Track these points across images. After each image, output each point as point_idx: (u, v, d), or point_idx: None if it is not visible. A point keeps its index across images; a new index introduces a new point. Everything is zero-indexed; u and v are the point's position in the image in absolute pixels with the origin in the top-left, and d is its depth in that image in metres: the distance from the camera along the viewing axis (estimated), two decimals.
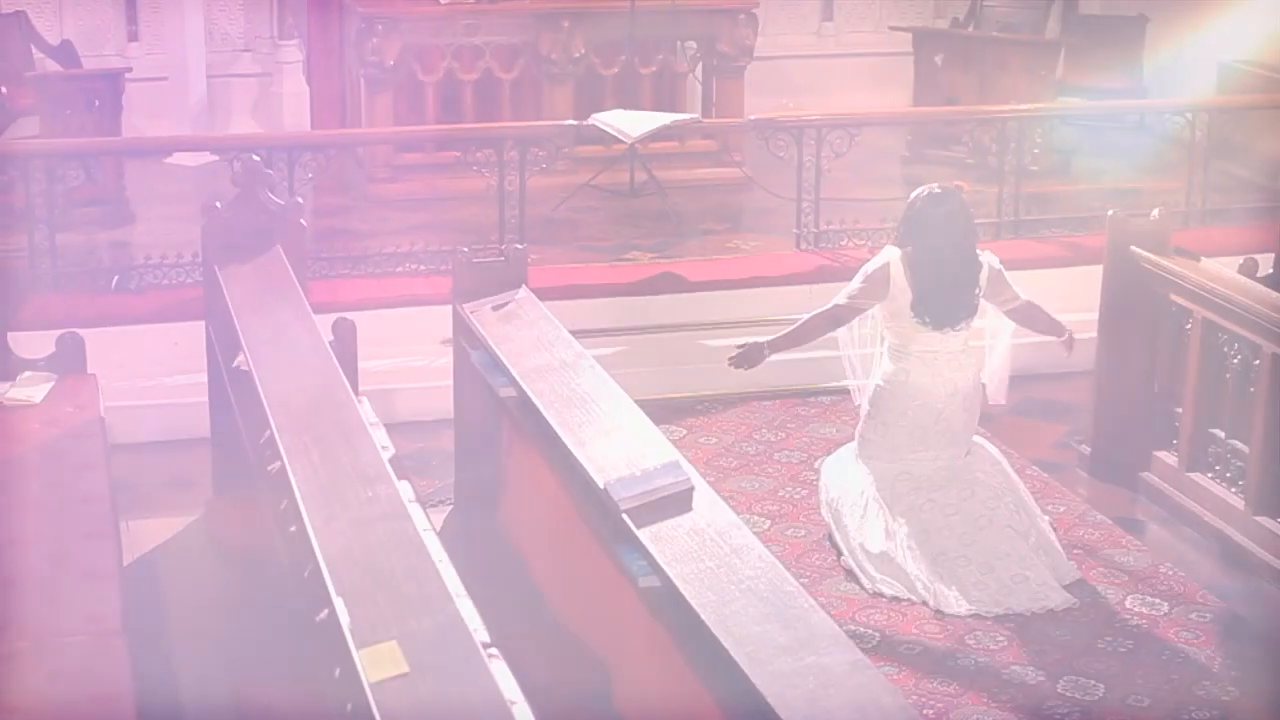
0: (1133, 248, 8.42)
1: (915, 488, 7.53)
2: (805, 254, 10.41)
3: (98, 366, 8.17)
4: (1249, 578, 7.69)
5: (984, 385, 7.79)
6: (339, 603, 4.72)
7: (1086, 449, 8.78)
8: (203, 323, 8.04)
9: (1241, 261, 8.52)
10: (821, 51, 14.45)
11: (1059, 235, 10.80)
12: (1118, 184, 12.05)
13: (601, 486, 5.91)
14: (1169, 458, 8.35)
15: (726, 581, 5.26)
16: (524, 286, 7.91)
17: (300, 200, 8.35)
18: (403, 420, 9.02)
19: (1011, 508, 7.51)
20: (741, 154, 11.98)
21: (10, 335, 7.99)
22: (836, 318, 7.60)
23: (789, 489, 8.42)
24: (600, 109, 11.51)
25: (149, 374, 9.19)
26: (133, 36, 13.05)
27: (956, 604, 7.24)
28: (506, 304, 7.76)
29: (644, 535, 5.60)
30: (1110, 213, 8.66)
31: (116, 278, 9.50)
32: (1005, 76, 12.50)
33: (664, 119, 11.11)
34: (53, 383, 7.83)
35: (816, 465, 8.21)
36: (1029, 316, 7.79)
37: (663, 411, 9.12)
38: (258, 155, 8.54)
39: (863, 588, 7.42)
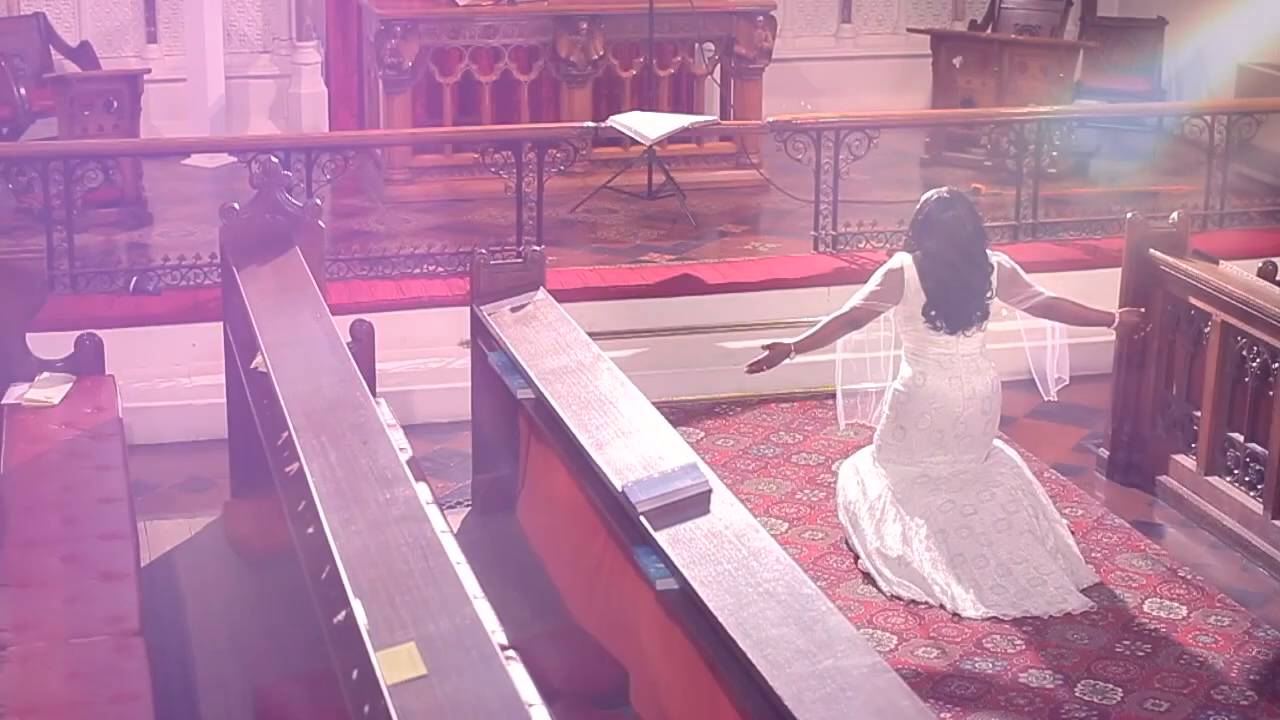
0: (1151, 250, 8.41)
1: (933, 489, 7.52)
2: (823, 256, 10.41)
3: (116, 367, 8.19)
4: (1268, 581, 7.68)
5: (1002, 388, 7.76)
6: (357, 604, 4.72)
7: (1105, 452, 8.77)
8: (221, 324, 8.05)
9: (1260, 264, 8.51)
10: (839, 53, 14.44)
11: (1077, 238, 10.79)
12: (1136, 186, 12.04)
13: (619, 489, 5.91)
14: (1187, 461, 8.33)
15: (744, 584, 5.25)
16: (542, 288, 7.91)
17: (318, 201, 8.36)
18: (420, 422, 9.04)
19: (1030, 511, 7.51)
20: (759, 156, 11.98)
21: (29, 336, 8.01)
22: (854, 319, 7.60)
23: (807, 491, 8.42)
24: (618, 111, 11.51)
25: (167, 375, 9.22)
26: (151, 38, 13.07)
27: (974, 607, 7.23)
28: (524, 306, 7.77)
29: (662, 538, 5.60)
30: (1129, 215, 8.64)
31: (135, 279, 9.51)
32: (1023, 79, 12.49)
33: (682, 121, 11.11)
34: (71, 384, 7.84)
35: (834, 468, 8.21)
36: (1053, 310, 7.75)
37: (680, 413, 9.14)
38: (276, 157, 8.54)
39: (880, 591, 7.42)
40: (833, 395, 7.95)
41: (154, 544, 7.64)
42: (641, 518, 5.73)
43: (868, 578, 7.53)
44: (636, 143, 10.99)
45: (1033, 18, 13.57)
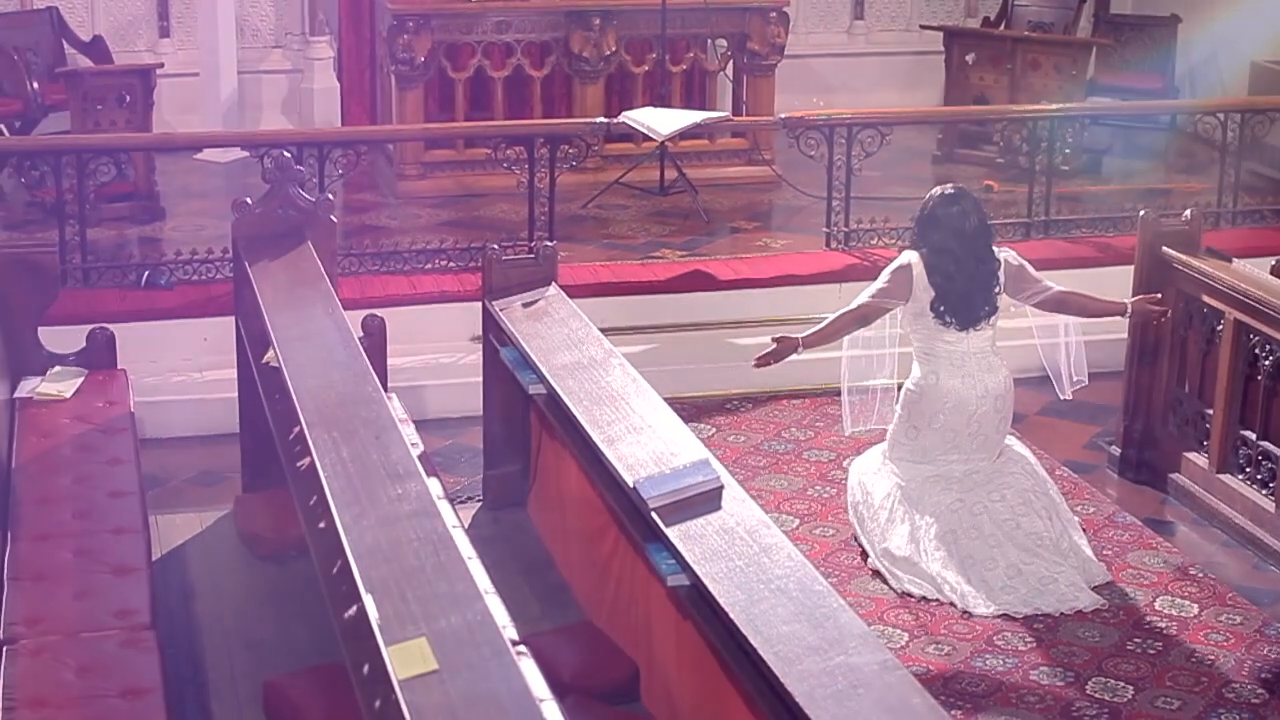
0: (1164, 248, 8.39)
1: (945, 488, 7.51)
2: (835, 253, 10.41)
3: (128, 362, 8.20)
4: (1279, 580, 7.67)
5: (1015, 387, 7.74)
6: (368, 599, 4.72)
7: (1116, 450, 8.76)
8: (232, 318, 8.06)
9: (1273, 262, 8.51)
10: (852, 50, 14.43)
11: (1090, 235, 10.78)
12: (1149, 184, 12.05)
13: (631, 485, 5.91)
14: (1199, 459, 8.32)
15: (755, 580, 5.25)
16: (554, 284, 7.91)
17: (330, 196, 8.37)
18: (432, 417, 9.04)
19: (1041, 510, 7.49)
20: (771, 152, 11.98)
21: (41, 330, 8.02)
22: (864, 316, 7.59)
23: (818, 488, 8.41)
24: (630, 106, 11.51)
25: (179, 369, 9.22)
26: (164, 32, 13.08)
27: (985, 605, 7.22)
28: (536, 301, 7.77)
29: (673, 534, 5.60)
30: (1141, 213, 8.63)
31: (147, 273, 9.52)
32: (1036, 76, 12.48)
33: (694, 117, 11.11)
34: (83, 378, 7.85)
35: (846, 464, 8.20)
36: (1064, 305, 7.73)
37: (692, 409, 9.13)
38: (288, 151, 8.54)
39: (891, 588, 7.41)
40: (861, 392, 7.92)
41: (165, 538, 7.64)
42: (653, 514, 5.74)
43: (878, 574, 7.52)
44: (648, 139, 10.99)
45: (1046, 14, 13.55)
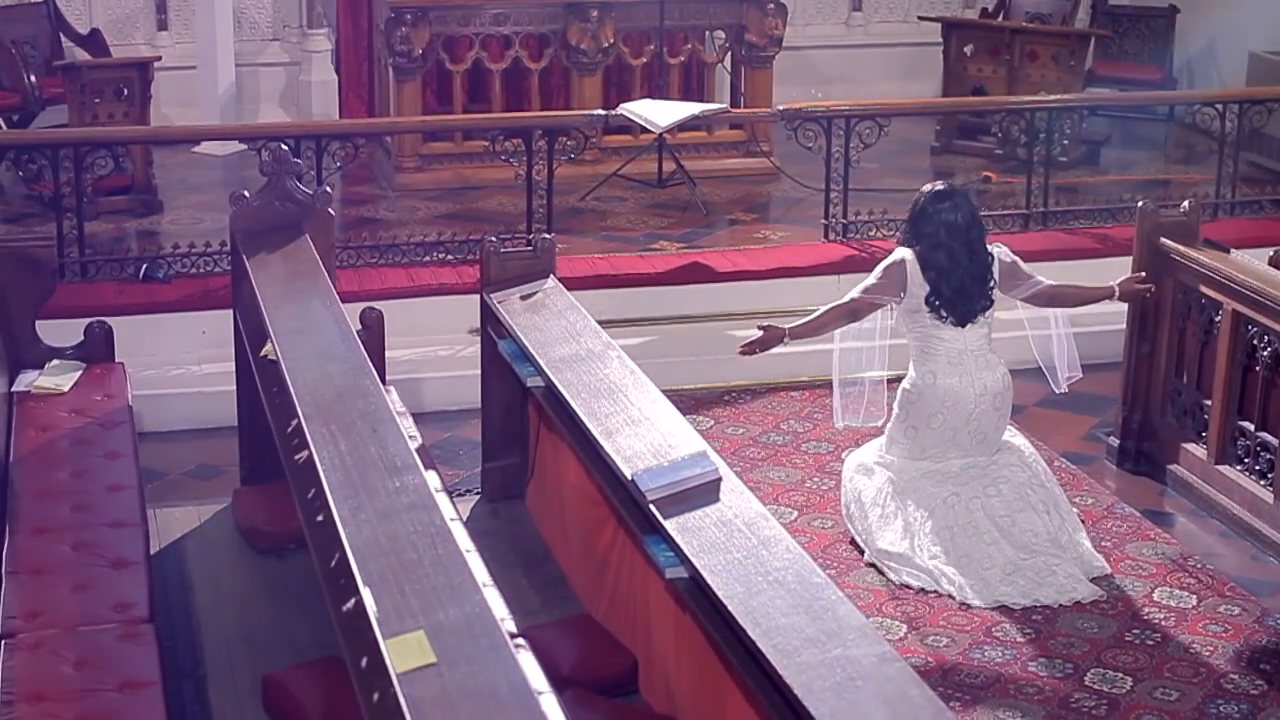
0: (1162, 239, 8.39)
1: (939, 481, 7.51)
2: (833, 244, 10.41)
3: (126, 355, 8.20)
4: (1278, 571, 7.67)
5: (1013, 385, 7.73)
6: (366, 592, 4.72)
7: (1115, 441, 8.76)
8: (230, 311, 8.06)
9: (1272, 253, 8.50)
10: (850, 41, 14.44)
11: (1088, 226, 10.78)
12: (1147, 175, 12.05)
13: (629, 477, 5.91)
14: (1198, 450, 8.32)
15: (754, 573, 5.25)
16: (551, 276, 7.91)
17: (328, 189, 8.35)
18: (430, 410, 9.05)
19: (1038, 504, 7.48)
20: (770, 144, 11.97)
21: (39, 324, 8.01)
22: (855, 310, 7.59)
23: (816, 480, 8.41)
24: (628, 99, 11.51)
25: (177, 362, 9.23)
26: (162, 25, 13.08)
27: (982, 597, 7.22)
28: (534, 294, 7.76)
29: (671, 526, 5.60)
30: (1140, 204, 8.62)
31: (145, 266, 9.52)
32: (1034, 67, 12.48)
33: (692, 109, 11.11)
34: (81, 371, 7.85)
35: (844, 456, 8.20)
36: (1056, 297, 7.74)
37: (690, 402, 9.14)
38: (286, 144, 8.55)
39: (889, 580, 7.41)
40: (851, 385, 7.91)
41: (163, 531, 7.64)
42: (651, 506, 5.73)
43: (876, 567, 7.52)
44: (647, 131, 10.99)
45: (1044, 6, 13.56)
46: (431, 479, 5.64)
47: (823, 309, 7.63)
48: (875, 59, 14.23)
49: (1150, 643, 6.99)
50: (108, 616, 5.80)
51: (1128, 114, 13.10)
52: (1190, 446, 8.38)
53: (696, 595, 5.42)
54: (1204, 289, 8.19)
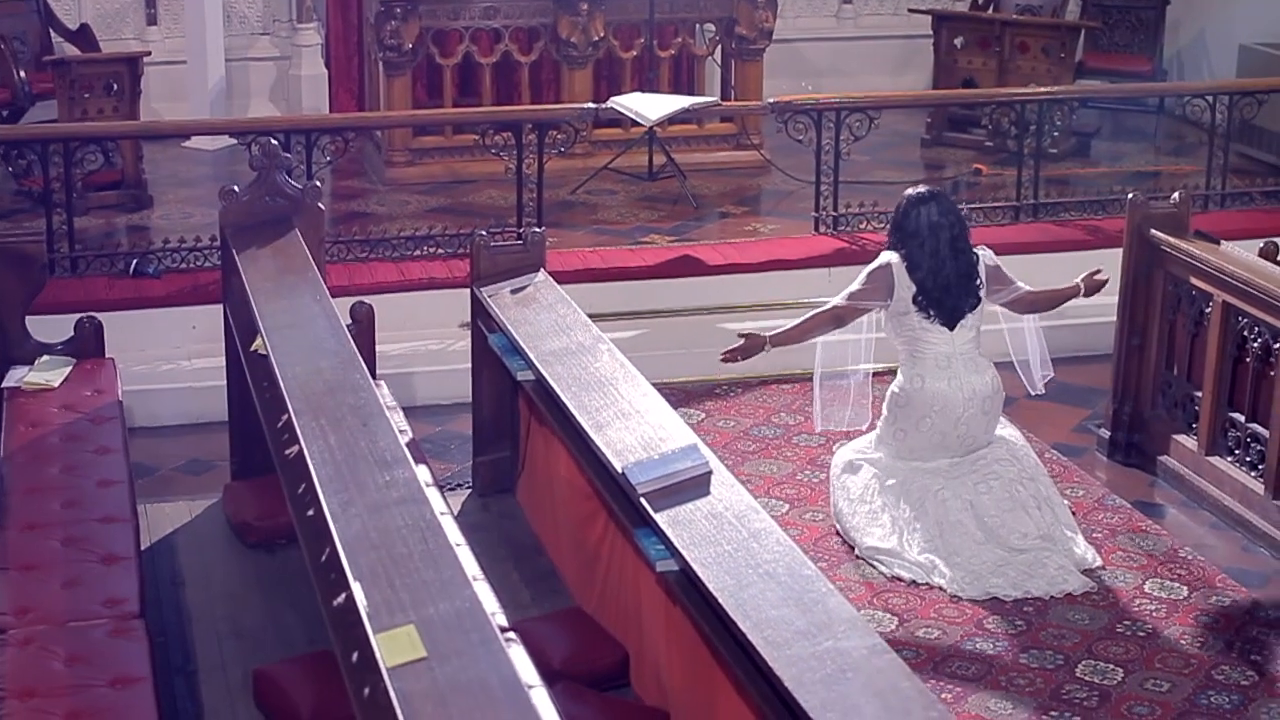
0: (1152, 231, 8.39)
1: (928, 476, 7.52)
2: (824, 237, 10.41)
3: (116, 350, 8.18)
4: (1268, 562, 7.67)
5: (1002, 389, 7.74)
6: (356, 587, 4.72)
7: (1106, 433, 8.76)
8: (221, 306, 8.04)
9: (1262, 245, 8.51)
10: (840, 34, 14.43)
11: (1078, 218, 10.79)
12: (1137, 167, 12.06)
13: (619, 470, 5.91)
14: (1188, 441, 8.33)
15: (744, 565, 5.25)
16: (542, 270, 7.91)
17: (318, 184, 8.34)
18: (421, 404, 9.05)
19: (1029, 499, 7.48)
20: (760, 137, 11.97)
21: (28, 319, 8.00)
22: (838, 317, 7.60)
23: (807, 473, 8.41)
24: (619, 92, 11.50)
25: (167, 358, 9.23)
26: (151, 20, 13.06)
27: (974, 588, 7.22)
28: (524, 287, 7.76)
29: (662, 519, 5.60)
30: (1130, 196, 8.62)
31: (135, 261, 9.51)
32: (1024, 59, 12.49)
33: (682, 102, 11.10)
34: (71, 366, 7.83)
35: (835, 448, 8.20)
36: (1036, 303, 7.80)
37: (681, 395, 9.13)
38: (276, 139, 8.53)
39: (880, 572, 7.41)
40: (836, 377, 7.91)
41: (154, 527, 7.63)
42: (642, 499, 5.73)
43: (867, 560, 7.53)
44: (637, 124, 10.98)
45: None
46: (422, 473, 5.65)
47: (806, 315, 7.63)
48: (865, 52, 14.22)
49: (1141, 634, 6.99)
50: (98, 612, 5.79)
51: (1118, 106, 13.11)
52: (1181, 438, 8.38)
53: (687, 588, 5.42)
54: (1194, 281, 8.19)
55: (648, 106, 10.85)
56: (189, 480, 8.39)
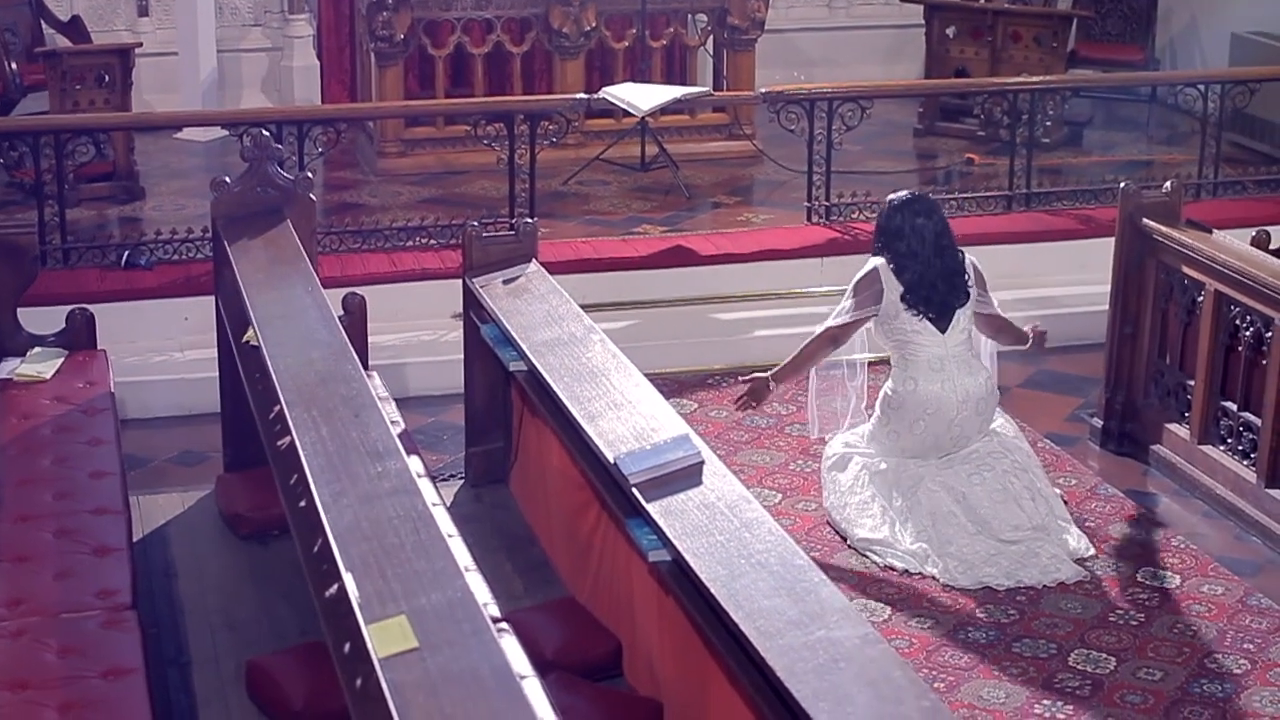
0: (1145, 220, 8.39)
1: (920, 466, 7.53)
2: (816, 227, 10.40)
3: (108, 342, 8.18)
4: (1261, 550, 7.68)
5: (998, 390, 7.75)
6: (348, 578, 4.71)
7: (1098, 422, 8.76)
8: (212, 298, 8.04)
9: (1254, 233, 8.51)
10: (833, 24, 14.43)
11: (1071, 207, 10.79)
12: (1130, 156, 12.07)
13: (612, 460, 5.91)
14: (1181, 430, 8.33)
15: (737, 555, 5.25)
16: (534, 260, 7.90)
17: (310, 175, 8.34)
18: (413, 394, 9.04)
19: (1023, 491, 7.48)
20: (752, 127, 11.97)
21: (20, 311, 7.99)
22: (834, 338, 7.62)
23: (800, 463, 8.41)
24: (611, 82, 11.50)
25: (159, 349, 9.22)
26: (143, 11, 13.05)
27: (966, 578, 7.23)
28: (516, 278, 7.75)
29: (654, 509, 5.60)
30: (1122, 185, 8.62)
31: (127, 253, 9.50)
32: (1017, 48, 12.50)
33: (675, 92, 11.10)
34: (63, 358, 7.83)
35: (827, 438, 8.20)
36: (1001, 330, 7.82)
37: (673, 385, 9.13)
38: (268, 130, 8.51)
39: (874, 562, 7.42)
40: (829, 367, 7.92)
41: (146, 518, 7.63)
42: (634, 489, 5.73)
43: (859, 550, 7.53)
44: (629, 114, 10.98)
45: None
46: (414, 464, 5.64)
47: (802, 345, 7.64)
48: (857, 41, 14.22)
49: (1134, 623, 7.00)
50: (91, 604, 5.78)
51: (1110, 95, 13.10)
52: (1173, 427, 8.38)
53: (679, 578, 5.42)
54: (1186, 270, 8.19)
55: (640, 97, 10.85)
56: (181, 472, 8.39)
